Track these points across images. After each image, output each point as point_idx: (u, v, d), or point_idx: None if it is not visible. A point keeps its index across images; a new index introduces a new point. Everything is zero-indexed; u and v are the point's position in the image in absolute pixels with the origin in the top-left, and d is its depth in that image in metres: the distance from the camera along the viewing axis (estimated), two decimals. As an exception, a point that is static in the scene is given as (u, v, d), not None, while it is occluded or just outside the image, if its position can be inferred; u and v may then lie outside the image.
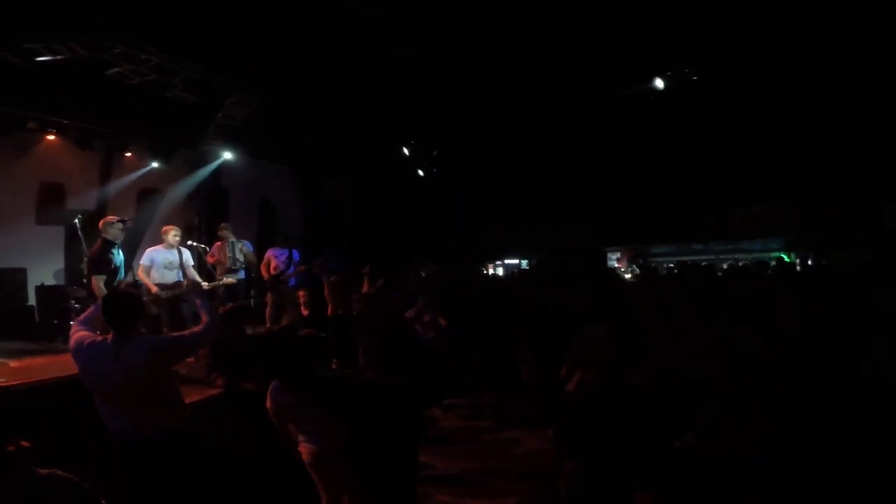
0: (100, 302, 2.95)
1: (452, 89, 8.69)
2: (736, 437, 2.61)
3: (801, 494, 2.49)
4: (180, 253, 5.99)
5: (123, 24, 5.25)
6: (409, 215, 12.82)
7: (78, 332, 2.75)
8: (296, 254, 8.22)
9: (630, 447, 2.18)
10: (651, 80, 8.48)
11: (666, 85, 8.56)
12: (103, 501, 1.86)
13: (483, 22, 7.37)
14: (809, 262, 12.87)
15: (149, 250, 6.07)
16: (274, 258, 8.02)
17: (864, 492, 2.27)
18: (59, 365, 5.48)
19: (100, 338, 2.66)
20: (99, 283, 5.14)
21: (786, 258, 13.61)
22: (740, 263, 12.20)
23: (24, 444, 1.91)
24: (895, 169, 10.23)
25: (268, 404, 2.85)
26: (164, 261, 5.95)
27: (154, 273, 5.91)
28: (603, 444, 2.11)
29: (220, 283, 6.48)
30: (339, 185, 12.90)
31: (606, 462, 2.09)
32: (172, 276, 5.93)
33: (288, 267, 7.97)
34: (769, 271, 8.95)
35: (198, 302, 3.12)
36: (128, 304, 2.68)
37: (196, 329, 2.98)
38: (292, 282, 8.02)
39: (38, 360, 5.72)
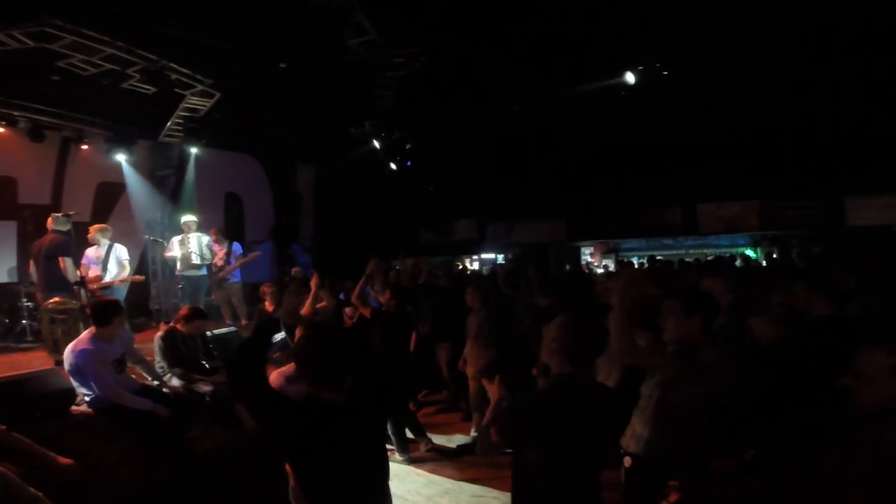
0: None
1: (422, 81, 8.53)
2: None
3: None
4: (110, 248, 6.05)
5: (69, 13, 4.99)
6: (381, 209, 12.68)
7: None
8: (236, 246, 7.82)
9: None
10: (622, 73, 8.41)
11: (637, 80, 8.50)
12: (32, 490, 1.97)
13: (454, 12, 7.22)
14: (774, 257, 13.26)
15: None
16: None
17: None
18: (9, 365, 5.28)
19: None
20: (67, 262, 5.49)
21: (752, 254, 13.97)
22: (708, 258, 12.47)
23: None
24: (859, 167, 10.52)
25: None
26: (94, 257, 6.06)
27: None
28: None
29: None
30: (308, 178, 12.67)
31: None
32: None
33: (227, 262, 7.55)
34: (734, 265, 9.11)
35: None
36: None
37: None
38: (237, 276, 7.68)
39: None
